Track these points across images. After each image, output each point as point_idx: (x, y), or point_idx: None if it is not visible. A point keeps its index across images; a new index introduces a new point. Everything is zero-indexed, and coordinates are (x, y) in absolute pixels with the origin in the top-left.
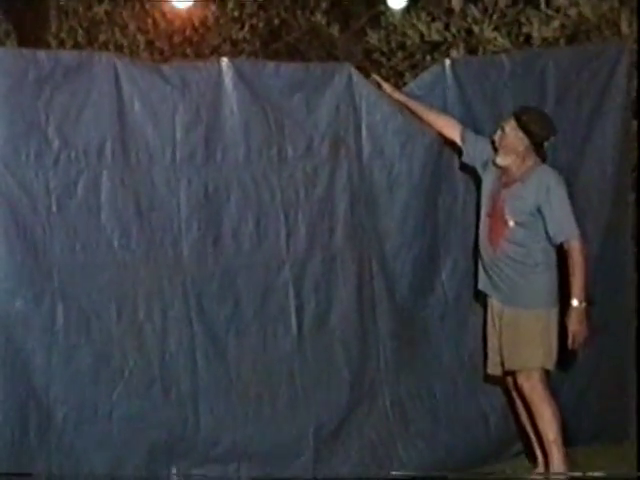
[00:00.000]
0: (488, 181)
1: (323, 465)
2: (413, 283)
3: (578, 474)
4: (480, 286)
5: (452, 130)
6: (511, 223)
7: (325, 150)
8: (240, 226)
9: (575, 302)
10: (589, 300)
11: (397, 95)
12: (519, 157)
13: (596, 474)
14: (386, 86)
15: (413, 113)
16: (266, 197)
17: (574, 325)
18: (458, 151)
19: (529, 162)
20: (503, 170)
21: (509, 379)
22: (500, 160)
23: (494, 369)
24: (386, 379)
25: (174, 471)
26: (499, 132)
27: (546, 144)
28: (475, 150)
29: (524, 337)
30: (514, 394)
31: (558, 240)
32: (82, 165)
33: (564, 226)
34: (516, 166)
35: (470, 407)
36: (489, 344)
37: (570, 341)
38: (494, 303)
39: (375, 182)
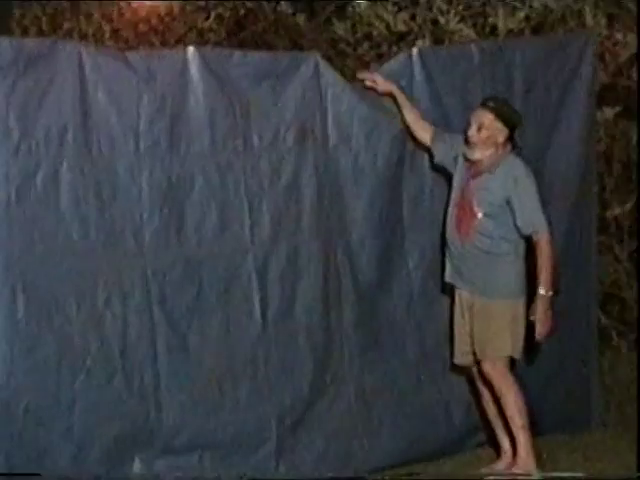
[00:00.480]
0: (457, 173)
1: (286, 454)
2: (379, 273)
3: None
4: (447, 278)
5: (424, 134)
6: (480, 214)
7: (291, 139)
8: (204, 215)
9: (542, 291)
10: (556, 290)
11: (389, 86)
12: (497, 148)
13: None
14: (378, 79)
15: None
16: (230, 187)
17: (541, 314)
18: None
19: (500, 151)
20: (472, 161)
21: (474, 369)
22: (478, 154)
23: (462, 359)
24: (350, 369)
25: (137, 462)
26: (474, 127)
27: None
28: (445, 149)
29: (494, 327)
30: (479, 384)
31: (526, 232)
32: (42, 154)
33: (532, 218)
34: (487, 157)
35: (433, 397)
36: (457, 334)
37: (537, 330)
38: (463, 294)
39: (341, 172)
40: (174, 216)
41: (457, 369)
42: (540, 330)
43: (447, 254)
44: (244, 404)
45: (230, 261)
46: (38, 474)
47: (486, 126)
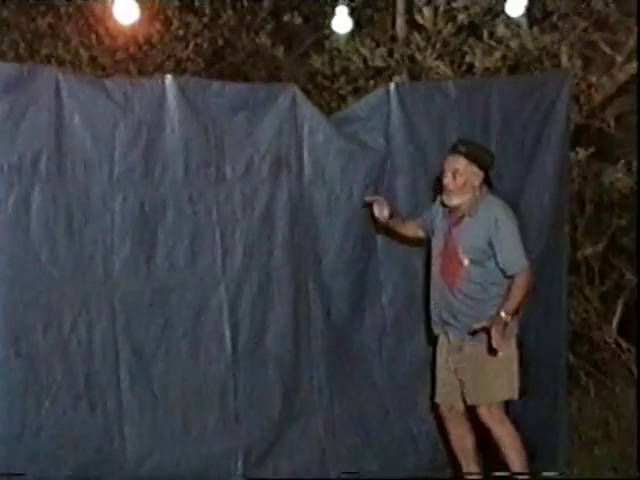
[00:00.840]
0: (438, 221)
1: None
2: (351, 306)
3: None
4: (433, 326)
5: (417, 231)
6: (466, 262)
7: (265, 170)
8: (175, 244)
9: (503, 313)
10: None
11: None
12: (475, 191)
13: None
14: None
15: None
16: (202, 216)
17: (495, 333)
18: (400, 174)
19: (477, 194)
20: (451, 207)
21: (442, 407)
22: (457, 200)
23: (445, 398)
24: (320, 401)
25: None
26: (450, 175)
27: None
28: (429, 220)
29: (489, 372)
30: (448, 422)
31: (509, 272)
32: (14, 179)
33: (514, 257)
34: (466, 202)
35: (401, 431)
36: (440, 376)
37: (493, 346)
38: (451, 338)
39: (315, 203)
40: (145, 243)
41: (426, 404)
42: (495, 347)
43: (432, 303)
44: (211, 435)
45: (201, 290)
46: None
47: (461, 172)
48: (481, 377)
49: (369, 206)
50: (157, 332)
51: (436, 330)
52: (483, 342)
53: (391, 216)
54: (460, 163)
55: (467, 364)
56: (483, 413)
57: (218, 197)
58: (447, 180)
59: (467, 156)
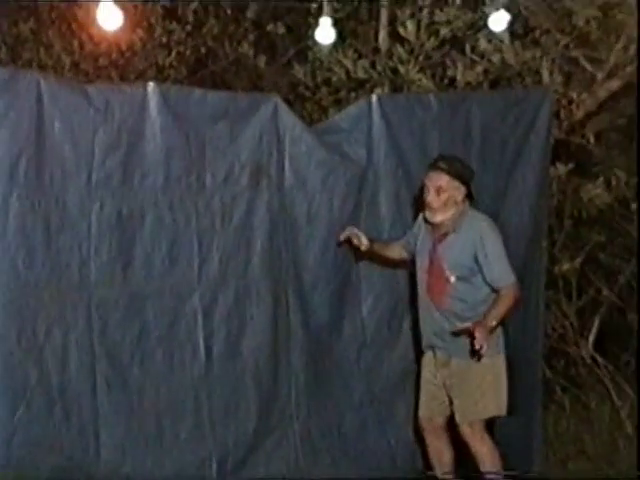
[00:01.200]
0: (421, 239)
1: None
2: (330, 317)
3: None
4: (424, 347)
5: (401, 251)
6: (452, 279)
7: (245, 179)
8: (153, 251)
9: (485, 320)
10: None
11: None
12: (458, 207)
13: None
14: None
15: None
16: (181, 224)
17: (478, 334)
18: (382, 186)
19: (461, 209)
20: (434, 224)
21: (423, 420)
22: (440, 217)
23: (429, 413)
24: (297, 412)
25: None
26: (432, 192)
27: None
28: (412, 239)
29: (476, 389)
30: (428, 435)
31: (496, 286)
32: None
33: (501, 272)
34: (449, 218)
35: (378, 443)
36: (425, 391)
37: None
38: (438, 355)
39: (295, 214)
40: (123, 250)
41: (404, 415)
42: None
43: (421, 322)
44: (184, 443)
45: (176, 298)
46: None
47: (444, 189)
48: (469, 394)
49: (345, 243)
50: (133, 339)
51: (424, 348)
52: (470, 359)
53: (371, 242)
54: (443, 180)
55: (455, 380)
56: (465, 429)
57: (197, 205)
58: (430, 197)
59: (449, 172)
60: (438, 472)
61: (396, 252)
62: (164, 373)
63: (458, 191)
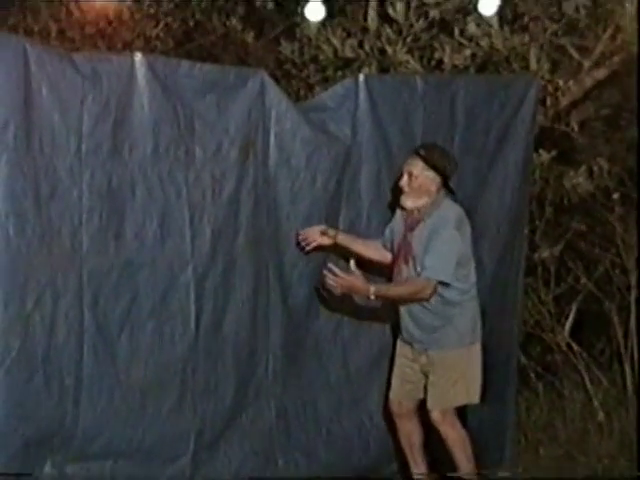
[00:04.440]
0: (396, 225)
1: (201, 469)
2: (309, 295)
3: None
4: (401, 337)
5: (380, 249)
6: (419, 269)
7: (234, 154)
8: (144, 223)
9: (372, 288)
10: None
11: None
12: (431, 197)
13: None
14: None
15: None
16: (172, 196)
17: (343, 280)
18: (364, 166)
19: (434, 199)
20: (408, 212)
21: (394, 403)
22: (411, 203)
23: (399, 396)
24: (273, 389)
25: (49, 465)
26: (405, 177)
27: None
28: (389, 232)
29: (449, 377)
30: (399, 419)
31: (421, 273)
32: None
33: (432, 265)
34: (421, 206)
35: (351, 423)
36: (399, 375)
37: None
38: (415, 346)
39: (279, 190)
40: (114, 220)
41: (378, 396)
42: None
43: (400, 312)
44: (165, 415)
45: (169, 270)
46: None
47: (415, 175)
48: (442, 381)
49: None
50: (124, 310)
51: (401, 336)
52: (446, 348)
53: (345, 236)
54: (416, 166)
55: (432, 368)
56: (436, 415)
57: (188, 178)
58: (402, 182)
59: (425, 160)
60: (408, 455)
61: (372, 250)
62: (153, 346)
63: (431, 181)
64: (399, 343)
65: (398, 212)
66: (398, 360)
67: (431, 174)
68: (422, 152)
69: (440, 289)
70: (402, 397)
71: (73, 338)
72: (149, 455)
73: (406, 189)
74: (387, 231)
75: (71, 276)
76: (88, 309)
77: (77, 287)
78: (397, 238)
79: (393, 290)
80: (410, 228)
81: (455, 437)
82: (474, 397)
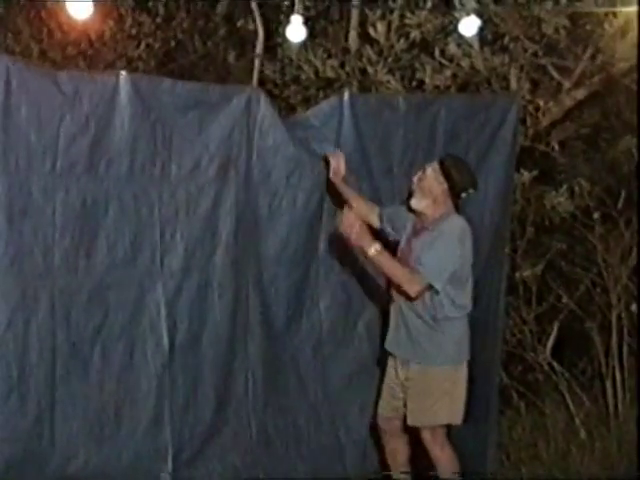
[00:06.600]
0: (402, 227)
1: None
2: (288, 312)
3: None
4: (386, 345)
5: (372, 216)
6: None
7: (213, 171)
8: (116, 240)
9: (377, 245)
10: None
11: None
12: (434, 202)
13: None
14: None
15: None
16: (144, 214)
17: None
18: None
19: (443, 209)
20: (418, 216)
21: (382, 420)
22: (415, 203)
23: (389, 413)
24: (253, 406)
25: None
26: (419, 173)
27: (464, 195)
28: (393, 221)
29: (431, 394)
30: (386, 435)
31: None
32: None
33: (428, 266)
34: (430, 212)
35: (330, 440)
36: (387, 389)
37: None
38: (398, 355)
39: (259, 207)
40: (86, 238)
41: (357, 414)
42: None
43: (390, 319)
44: (142, 433)
45: (139, 288)
46: None
47: (427, 175)
48: (424, 399)
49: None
50: (95, 328)
51: (390, 349)
52: (429, 363)
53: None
54: (431, 166)
55: (412, 383)
56: (426, 436)
57: (162, 196)
58: (415, 178)
59: (442, 165)
60: (394, 472)
61: (364, 210)
62: (125, 364)
63: (439, 185)
64: (389, 359)
65: (410, 215)
66: (387, 376)
67: (440, 178)
68: (444, 159)
69: (437, 300)
70: (390, 413)
71: (46, 356)
72: (127, 475)
73: (414, 187)
74: (391, 212)
75: (43, 294)
76: (59, 327)
77: (49, 305)
78: (402, 240)
79: (391, 264)
80: (415, 234)
81: (444, 459)
82: (457, 418)
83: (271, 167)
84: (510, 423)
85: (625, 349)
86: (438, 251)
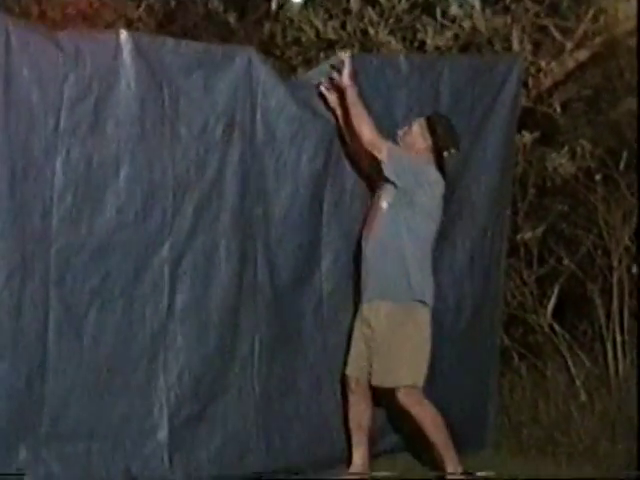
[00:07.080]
0: None
1: (179, 448)
2: (294, 273)
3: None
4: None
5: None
6: (384, 204)
7: (219, 132)
8: (126, 201)
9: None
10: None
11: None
12: (417, 154)
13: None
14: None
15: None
16: (157, 174)
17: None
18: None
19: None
20: None
21: (351, 380)
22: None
23: (355, 372)
24: (258, 369)
25: (23, 452)
26: (405, 128)
27: (446, 154)
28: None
29: (394, 356)
30: (352, 394)
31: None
32: None
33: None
34: None
35: (330, 403)
36: (355, 350)
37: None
38: (364, 306)
39: (264, 168)
40: (90, 199)
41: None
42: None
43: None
44: (133, 394)
45: (144, 249)
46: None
47: (413, 130)
48: (386, 360)
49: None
50: (93, 288)
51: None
52: (391, 323)
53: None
54: (418, 121)
55: (375, 343)
56: (401, 397)
57: (174, 157)
58: (400, 132)
59: (428, 121)
60: (353, 434)
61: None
62: (123, 323)
63: (423, 140)
64: (357, 316)
65: None
66: (354, 333)
67: (427, 135)
68: (431, 115)
69: (395, 222)
70: (358, 373)
71: (39, 316)
72: (118, 433)
73: (399, 141)
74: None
75: (39, 254)
76: (54, 286)
77: (44, 266)
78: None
79: (362, 112)
80: None
81: (425, 416)
82: (419, 380)
83: (275, 127)
84: (511, 385)
85: (626, 311)
86: (404, 158)
